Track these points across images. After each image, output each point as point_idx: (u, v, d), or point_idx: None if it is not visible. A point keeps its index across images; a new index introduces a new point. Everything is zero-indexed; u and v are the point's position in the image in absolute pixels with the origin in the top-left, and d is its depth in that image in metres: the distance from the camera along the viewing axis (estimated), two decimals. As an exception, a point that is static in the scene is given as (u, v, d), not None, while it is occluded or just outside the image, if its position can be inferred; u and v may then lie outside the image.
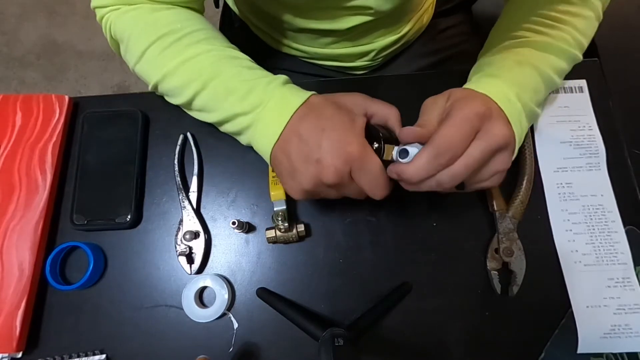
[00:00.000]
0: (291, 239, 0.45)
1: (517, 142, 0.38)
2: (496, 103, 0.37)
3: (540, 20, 0.44)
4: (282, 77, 0.40)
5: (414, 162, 0.34)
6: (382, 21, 0.54)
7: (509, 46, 0.44)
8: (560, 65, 0.44)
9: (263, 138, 0.38)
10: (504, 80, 0.40)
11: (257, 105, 0.38)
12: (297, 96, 0.37)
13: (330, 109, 0.36)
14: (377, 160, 0.35)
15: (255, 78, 0.40)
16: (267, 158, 0.39)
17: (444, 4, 0.66)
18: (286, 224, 0.44)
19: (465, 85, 0.41)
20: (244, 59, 0.43)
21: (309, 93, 0.38)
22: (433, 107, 0.38)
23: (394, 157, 0.36)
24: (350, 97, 0.39)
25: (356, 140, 0.34)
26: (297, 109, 0.36)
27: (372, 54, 0.61)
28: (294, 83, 0.41)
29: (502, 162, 0.36)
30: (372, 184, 0.35)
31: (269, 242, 0.46)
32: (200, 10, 0.49)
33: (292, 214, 0.46)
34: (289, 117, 0.36)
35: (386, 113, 0.38)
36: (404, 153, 0.36)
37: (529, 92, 0.41)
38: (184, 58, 0.41)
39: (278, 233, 0.45)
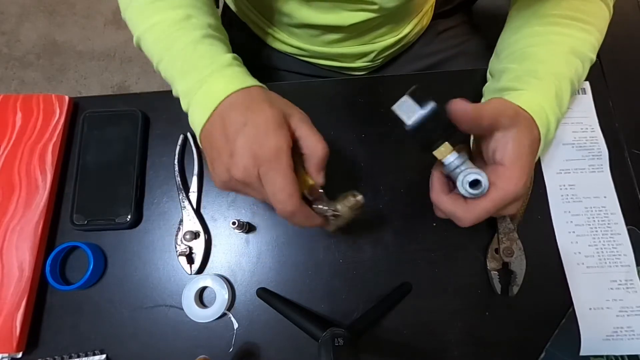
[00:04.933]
0: (349, 213, 0.37)
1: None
2: (538, 130, 0.37)
3: (565, 21, 0.42)
4: (228, 58, 0.38)
5: (473, 212, 0.34)
6: (384, 19, 0.54)
7: (542, 49, 0.42)
8: (584, 74, 0.42)
9: (194, 120, 0.37)
10: (549, 103, 0.38)
11: (193, 87, 0.37)
12: (236, 80, 0.35)
13: (262, 104, 0.33)
14: (286, 172, 0.31)
15: (199, 57, 0.37)
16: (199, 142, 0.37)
17: (444, 5, 0.66)
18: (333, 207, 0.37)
19: (513, 97, 0.38)
20: (203, 28, 0.40)
21: (253, 83, 0.36)
22: (496, 115, 0.34)
23: (446, 162, 0.34)
24: (294, 109, 0.35)
25: (272, 142, 0.31)
26: (231, 93, 0.34)
27: (372, 55, 0.61)
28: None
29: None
30: (275, 195, 0.31)
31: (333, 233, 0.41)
32: None
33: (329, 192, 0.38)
34: (219, 102, 0.34)
35: (312, 146, 0.34)
36: (477, 185, 0.33)
37: (564, 109, 0.40)
38: (152, 22, 0.40)
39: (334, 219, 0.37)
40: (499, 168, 0.34)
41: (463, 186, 0.33)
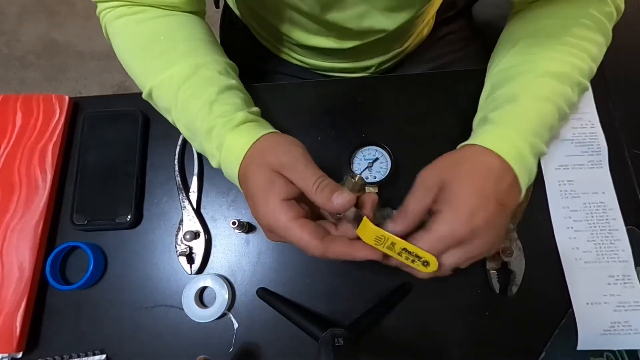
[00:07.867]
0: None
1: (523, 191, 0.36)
2: (512, 168, 0.35)
3: (557, 46, 0.41)
4: (239, 117, 0.39)
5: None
6: (385, 39, 0.54)
7: (526, 74, 0.40)
8: (573, 99, 0.41)
9: (233, 180, 0.38)
10: (519, 132, 0.36)
11: (219, 148, 0.38)
12: (242, 147, 0.37)
13: (254, 175, 0.35)
14: (293, 232, 0.33)
15: (214, 118, 0.39)
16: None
17: (446, 12, 0.66)
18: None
19: (477, 139, 0.37)
20: (214, 85, 0.40)
21: (253, 139, 0.36)
22: (425, 192, 0.35)
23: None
24: (285, 154, 0.35)
25: (268, 213, 0.34)
26: (242, 161, 0.36)
27: (373, 68, 0.62)
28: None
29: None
30: (301, 247, 0.34)
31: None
32: (199, 10, 0.48)
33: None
34: (237, 171, 0.37)
35: (303, 185, 0.34)
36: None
37: (546, 132, 0.39)
38: (159, 80, 0.42)
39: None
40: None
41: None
